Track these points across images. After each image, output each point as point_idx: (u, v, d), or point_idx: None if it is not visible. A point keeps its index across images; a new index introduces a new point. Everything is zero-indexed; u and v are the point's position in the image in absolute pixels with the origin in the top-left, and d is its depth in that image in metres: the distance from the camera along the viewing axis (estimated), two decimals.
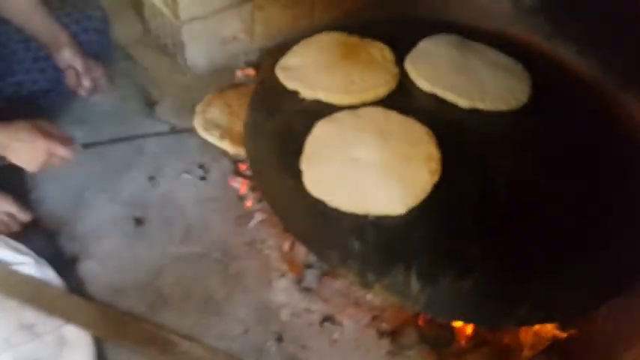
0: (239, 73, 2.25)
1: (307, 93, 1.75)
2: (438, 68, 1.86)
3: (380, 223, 1.46)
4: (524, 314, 1.35)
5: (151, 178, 1.90)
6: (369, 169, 1.54)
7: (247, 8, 2.19)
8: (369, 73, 1.82)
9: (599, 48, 2.05)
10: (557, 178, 1.58)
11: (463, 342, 1.63)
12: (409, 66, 1.87)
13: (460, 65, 1.88)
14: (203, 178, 1.93)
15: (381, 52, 1.90)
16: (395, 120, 1.68)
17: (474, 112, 1.78)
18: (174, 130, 2.01)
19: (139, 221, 1.78)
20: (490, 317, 1.39)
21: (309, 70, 1.82)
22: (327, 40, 1.93)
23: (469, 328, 1.64)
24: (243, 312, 1.63)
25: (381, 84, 1.78)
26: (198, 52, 2.20)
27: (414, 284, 1.36)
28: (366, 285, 1.38)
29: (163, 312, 1.59)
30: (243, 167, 1.96)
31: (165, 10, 2.09)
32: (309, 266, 1.71)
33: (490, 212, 1.52)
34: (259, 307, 1.64)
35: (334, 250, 1.41)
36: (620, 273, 1.40)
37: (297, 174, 1.53)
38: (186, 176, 1.92)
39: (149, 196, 1.85)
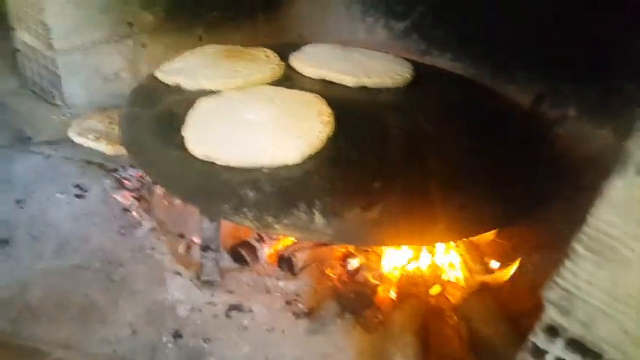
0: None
1: (189, 84, 1.70)
2: (322, 59, 1.90)
3: (276, 174, 1.38)
4: (439, 232, 1.26)
5: (19, 202, 1.69)
6: (259, 127, 1.47)
7: (129, 44, 2.16)
8: (253, 65, 1.81)
9: (468, 52, 2.24)
10: (440, 125, 1.71)
11: (386, 296, 1.48)
12: (294, 60, 1.90)
13: (343, 56, 1.94)
14: (80, 196, 1.75)
15: (264, 52, 1.92)
16: (283, 91, 1.65)
17: (362, 89, 1.81)
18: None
19: (2, 242, 1.54)
20: (404, 237, 1.27)
21: (191, 67, 1.78)
22: (209, 49, 1.93)
23: (392, 278, 1.51)
24: (131, 315, 1.39)
25: (267, 70, 1.77)
26: (77, 89, 2.10)
27: (319, 220, 1.25)
28: (266, 227, 1.24)
29: (32, 326, 1.34)
30: (126, 182, 1.80)
31: (37, 44, 2.02)
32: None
33: (387, 153, 1.53)
34: (150, 308, 1.42)
35: (227, 202, 1.28)
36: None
37: (179, 146, 1.44)
38: (59, 196, 1.74)
39: (15, 218, 1.65)
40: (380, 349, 1.38)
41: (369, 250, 1.56)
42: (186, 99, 1.63)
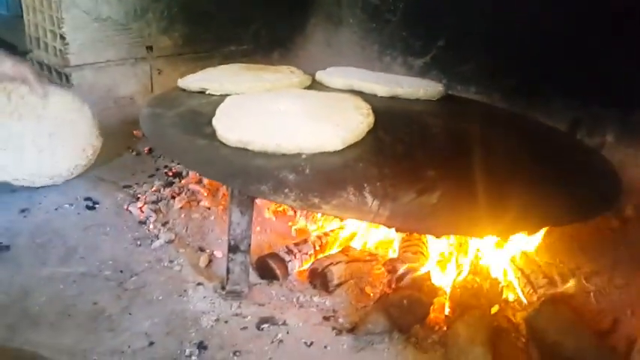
0: (137, 132, 2.05)
1: (214, 87, 1.59)
2: (350, 73, 1.81)
3: (315, 160, 1.26)
4: (508, 222, 1.10)
5: (23, 210, 1.53)
6: (293, 116, 1.35)
7: (145, 69, 2.09)
8: (278, 75, 1.72)
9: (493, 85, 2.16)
10: (483, 129, 1.57)
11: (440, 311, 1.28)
12: (320, 74, 1.80)
13: (370, 73, 1.85)
14: (91, 208, 1.60)
15: (288, 68, 1.83)
16: (314, 92, 1.55)
17: (394, 99, 1.70)
18: None
19: (2, 248, 1.36)
20: (468, 225, 1.10)
21: (215, 76, 1.69)
22: (231, 66, 1.84)
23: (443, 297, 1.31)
24: (147, 324, 1.19)
25: (293, 78, 1.68)
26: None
27: (371, 202, 1.09)
28: (311, 207, 1.08)
29: (31, 332, 1.15)
30: (142, 197, 1.65)
31: (53, 61, 1.94)
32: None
33: (433, 148, 1.42)
34: (169, 318, 1.23)
35: (265, 183, 1.13)
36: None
37: (208, 136, 1.32)
38: (68, 207, 1.58)
39: (18, 226, 1.49)
40: None
41: (418, 253, 1.38)
42: (211, 102, 1.53)
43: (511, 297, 1.43)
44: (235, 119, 1.32)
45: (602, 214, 1.31)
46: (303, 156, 1.23)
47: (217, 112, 1.38)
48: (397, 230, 1.34)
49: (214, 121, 1.32)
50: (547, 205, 1.20)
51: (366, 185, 1.15)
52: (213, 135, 1.31)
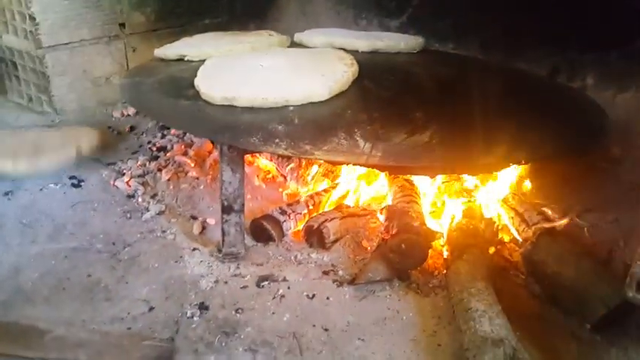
0: (116, 113, 2.01)
1: (192, 52, 1.56)
2: (329, 32, 1.79)
3: (304, 110, 1.24)
4: (500, 155, 1.10)
5: (7, 193, 1.49)
6: (276, 70, 1.32)
7: (119, 47, 2.04)
8: (257, 37, 1.69)
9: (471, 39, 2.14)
10: (467, 73, 1.62)
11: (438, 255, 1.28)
12: (300, 35, 1.77)
13: (349, 32, 1.83)
14: (77, 186, 1.57)
15: (267, 32, 1.80)
16: (295, 49, 1.52)
17: (376, 53, 1.68)
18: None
19: None
20: (462, 159, 1.10)
21: (193, 43, 1.66)
22: (208, 34, 1.81)
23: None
24: (145, 291, 1.18)
25: (273, 39, 1.64)
26: (66, 92, 1.94)
27: (363, 144, 1.08)
28: (303, 154, 1.07)
29: (26, 307, 1.12)
30: (128, 172, 1.62)
31: (24, 45, 1.88)
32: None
33: (419, 92, 1.42)
34: (167, 283, 1.22)
35: (255, 135, 1.11)
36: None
37: (191, 97, 1.30)
38: (53, 187, 1.54)
39: (2, 208, 1.45)
40: (445, 308, 1.17)
41: (412, 202, 1.38)
42: (191, 67, 1.49)
43: (506, 239, 1.43)
44: (218, 78, 1.30)
45: (591, 149, 1.31)
46: (291, 108, 1.22)
47: (199, 73, 1.35)
48: (390, 172, 1.34)
49: (196, 81, 1.30)
50: (537, 139, 1.21)
51: (356, 130, 1.14)
52: (196, 96, 1.29)
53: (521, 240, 1.37)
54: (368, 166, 1.25)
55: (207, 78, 1.30)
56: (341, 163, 1.38)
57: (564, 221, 1.40)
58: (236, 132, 1.14)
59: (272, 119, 1.17)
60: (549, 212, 1.42)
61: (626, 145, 1.67)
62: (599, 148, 1.57)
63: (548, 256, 1.21)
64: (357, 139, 1.10)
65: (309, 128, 1.14)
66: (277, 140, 1.09)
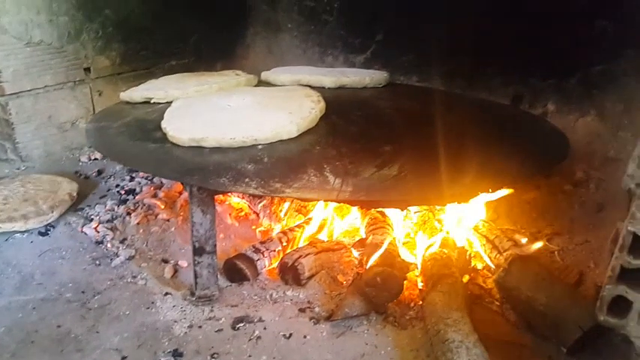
0: (84, 158, 1.98)
1: (159, 95, 1.56)
2: (296, 70, 1.81)
3: (272, 149, 1.25)
4: (467, 184, 1.12)
5: None
6: (244, 109, 1.33)
7: (85, 91, 2.03)
8: (223, 77, 1.70)
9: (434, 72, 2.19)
10: (432, 107, 1.63)
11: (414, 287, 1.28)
12: (266, 74, 1.80)
13: (316, 69, 1.86)
14: (44, 234, 1.52)
15: (233, 72, 1.82)
16: (262, 88, 1.53)
17: (342, 89, 1.72)
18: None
19: None
20: (430, 191, 1.11)
21: (159, 85, 1.66)
22: (173, 75, 1.81)
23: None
24: (116, 340, 1.14)
25: (240, 78, 1.66)
26: (31, 138, 1.91)
27: (333, 180, 1.09)
28: (274, 192, 1.06)
29: None
30: (96, 217, 1.59)
31: None
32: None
33: (386, 126, 1.45)
34: (139, 330, 1.19)
35: (224, 176, 1.11)
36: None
37: (158, 140, 1.29)
38: (18, 236, 1.50)
39: None
40: (423, 340, 1.17)
41: (385, 234, 1.38)
42: (157, 109, 1.50)
43: (479, 266, 1.45)
44: (185, 119, 1.30)
45: (555, 166, 1.34)
46: (260, 146, 1.22)
47: (166, 115, 1.35)
48: (362, 206, 1.34)
49: (163, 124, 1.30)
50: (502, 166, 1.23)
51: (325, 166, 1.15)
52: (163, 139, 1.28)
53: (493, 267, 1.38)
54: (339, 202, 1.25)
55: (174, 120, 1.30)
56: (312, 200, 1.39)
57: (535, 246, 1.43)
58: (205, 173, 1.13)
59: (241, 159, 1.17)
60: (519, 238, 1.44)
61: (589, 167, 1.72)
62: (560, 171, 1.61)
63: (520, 282, 1.22)
64: (327, 174, 1.11)
65: (278, 166, 1.15)
66: (247, 180, 1.09)
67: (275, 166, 1.14)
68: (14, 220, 1.51)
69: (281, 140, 1.24)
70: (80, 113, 2.05)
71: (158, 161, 1.21)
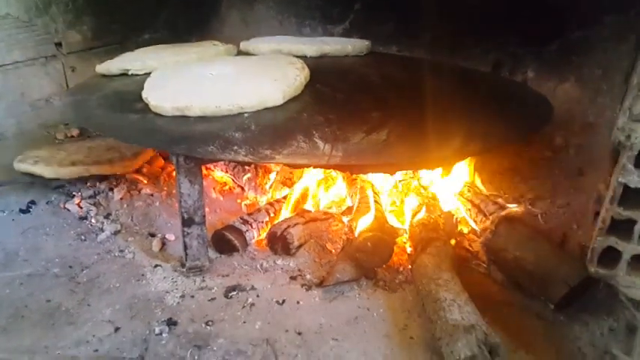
0: (60, 135, 1.93)
1: (137, 67, 1.52)
2: (276, 39, 1.78)
3: (259, 116, 1.23)
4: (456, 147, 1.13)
5: None
6: (229, 78, 1.31)
7: (57, 67, 1.97)
8: (201, 48, 1.66)
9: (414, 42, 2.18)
10: (416, 73, 1.66)
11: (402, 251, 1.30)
12: (245, 44, 1.77)
13: (296, 38, 1.83)
14: (25, 212, 1.49)
15: (211, 42, 1.78)
16: (243, 57, 1.51)
17: (324, 57, 1.70)
18: None
19: None
20: (420, 154, 1.12)
21: (136, 57, 1.62)
22: (150, 47, 1.77)
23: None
24: (108, 312, 1.13)
25: (219, 48, 1.63)
26: (4, 116, 1.86)
27: (323, 146, 1.08)
28: (264, 159, 1.06)
29: None
30: (78, 193, 1.56)
31: None
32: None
33: (372, 93, 1.43)
34: (131, 302, 1.18)
35: (212, 144, 1.09)
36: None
37: (139, 111, 1.26)
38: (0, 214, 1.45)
39: None
40: (414, 301, 1.19)
41: (372, 197, 1.39)
42: (136, 81, 1.46)
43: (465, 231, 1.47)
44: (167, 88, 1.27)
45: (540, 130, 1.35)
46: (246, 114, 1.21)
47: (146, 85, 1.32)
48: (352, 172, 1.34)
49: (144, 94, 1.27)
50: (489, 129, 1.24)
51: (314, 132, 1.14)
52: (145, 109, 1.25)
53: (479, 230, 1.40)
54: (329, 167, 1.25)
55: (155, 90, 1.27)
56: (302, 166, 1.38)
57: (520, 208, 1.46)
58: (192, 142, 1.11)
59: (228, 127, 1.15)
60: (503, 202, 1.46)
61: (568, 133, 1.75)
62: (541, 138, 1.63)
63: (508, 242, 1.25)
64: (317, 140, 1.10)
65: (266, 133, 1.14)
66: (236, 147, 1.07)
67: (263, 134, 1.13)
68: (101, 164, 1.57)
69: (266, 108, 1.22)
70: (53, 90, 1.99)
71: (142, 132, 1.18)
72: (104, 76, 1.58)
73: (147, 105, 1.25)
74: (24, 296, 1.17)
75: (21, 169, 1.56)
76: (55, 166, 1.54)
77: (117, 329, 1.09)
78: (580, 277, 1.11)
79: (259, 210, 1.48)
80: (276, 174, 1.64)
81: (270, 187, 1.64)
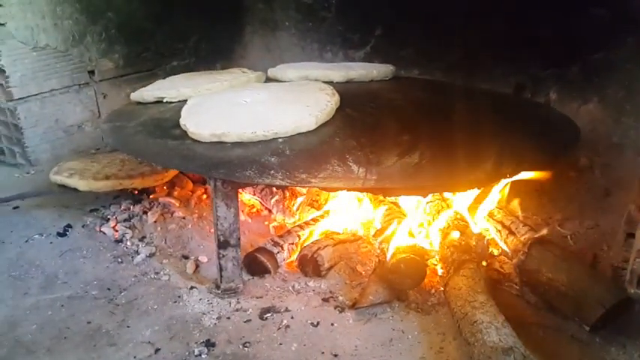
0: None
1: (171, 94, 1.57)
2: (302, 66, 1.83)
3: (292, 141, 1.27)
4: (488, 170, 1.15)
5: None
6: (263, 104, 1.35)
7: (89, 94, 2.04)
8: (232, 75, 1.71)
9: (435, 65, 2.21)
10: (444, 97, 1.67)
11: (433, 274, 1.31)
12: (273, 70, 1.81)
13: (321, 64, 1.88)
14: (62, 235, 1.53)
15: (239, 69, 1.83)
16: (274, 83, 1.55)
17: (350, 82, 1.74)
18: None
19: None
20: (452, 177, 1.14)
21: (169, 84, 1.67)
22: (181, 75, 1.82)
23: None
24: (148, 333, 1.16)
25: (249, 75, 1.67)
26: (39, 142, 1.92)
27: (357, 169, 1.11)
28: (300, 182, 1.08)
29: None
30: (113, 217, 1.60)
31: None
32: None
33: (401, 117, 1.45)
34: (169, 323, 1.20)
35: (249, 169, 1.13)
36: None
37: (177, 138, 1.31)
38: (38, 237, 1.51)
39: None
40: (449, 324, 1.19)
41: (401, 220, 1.41)
42: (171, 108, 1.52)
43: (495, 252, 1.48)
44: (204, 116, 1.31)
45: (570, 152, 1.37)
46: (280, 140, 1.24)
47: (183, 112, 1.36)
48: (385, 195, 1.36)
49: (182, 121, 1.31)
50: (520, 151, 1.26)
51: (348, 156, 1.17)
52: (183, 135, 1.30)
53: (510, 252, 1.41)
54: (364, 191, 1.27)
55: (192, 117, 1.31)
56: (337, 190, 1.40)
57: (550, 230, 1.46)
58: (230, 167, 1.15)
59: (263, 152, 1.19)
60: (533, 224, 1.47)
61: (593, 153, 1.75)
62: (565, 158, 1.64)
63: (541, 264, 1.25)
64: (351, 164, 1.13)
65: (301, 158, 1.17)
66: (272, 172, 1.10)
67: (298, 158, 1.16)
68: (133, 177, 1.62)
69: (300, 133, 1.26)
70: (86, 116, 2.05)
71: (181, 157, 1.22)
72: (139, 103, 1.63)
73: (184, 131, 1.29)
74: (65, 318, 1.20)
75: (57, 181, 1.61)
76: (90, 180, 1.58)
77: (157, 350, 1.11)
78: (615, 298, 1.11)
79: (289, 232, 1.51)
80: (305, 197, 1.66)
81: (298, 209, 1.66)
